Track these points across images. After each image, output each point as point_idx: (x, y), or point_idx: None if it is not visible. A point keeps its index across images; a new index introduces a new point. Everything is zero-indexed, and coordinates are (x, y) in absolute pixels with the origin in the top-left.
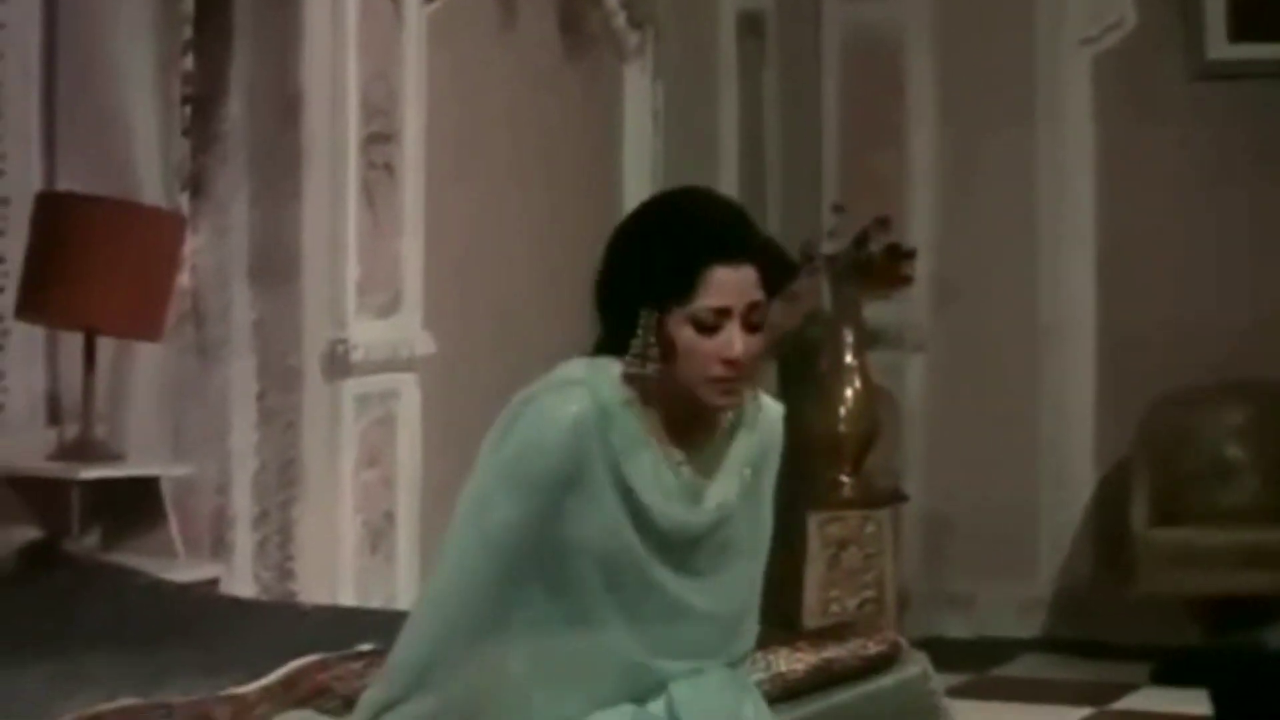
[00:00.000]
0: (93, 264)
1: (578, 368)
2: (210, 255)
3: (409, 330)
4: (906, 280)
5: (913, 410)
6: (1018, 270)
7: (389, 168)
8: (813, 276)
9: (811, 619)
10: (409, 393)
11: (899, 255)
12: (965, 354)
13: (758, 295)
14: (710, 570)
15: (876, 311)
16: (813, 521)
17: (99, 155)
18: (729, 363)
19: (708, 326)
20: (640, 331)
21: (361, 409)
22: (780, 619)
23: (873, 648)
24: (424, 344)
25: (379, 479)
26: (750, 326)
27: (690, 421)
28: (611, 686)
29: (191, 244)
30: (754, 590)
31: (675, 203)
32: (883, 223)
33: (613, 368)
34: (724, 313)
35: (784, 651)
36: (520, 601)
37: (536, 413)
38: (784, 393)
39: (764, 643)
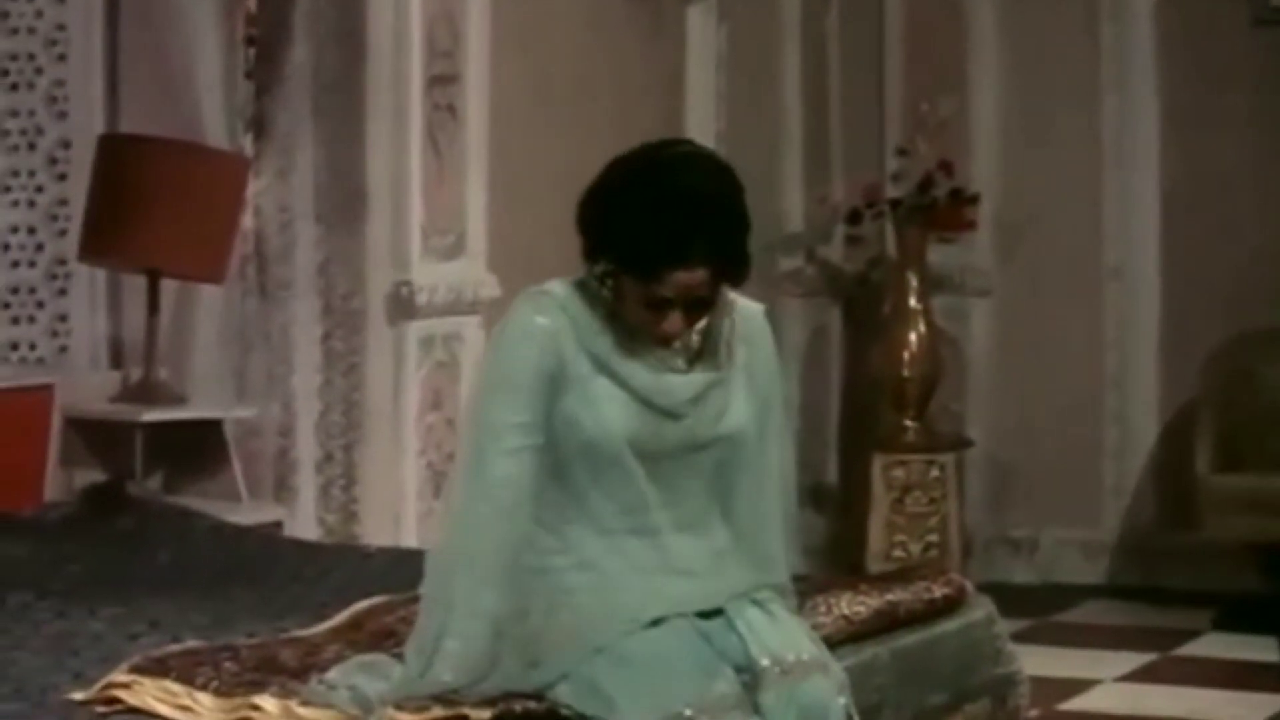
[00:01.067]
0: (155, 206)
1: (554, 284)
2: (273, 197)
3: (473, 272)
4: (970, 224)
5: (977, 354)
6: (1082, 214)
7: (453, 109)
8: (878, 219)
9: (875, 564)
10: (473, 335)
11: (963, 199)
12: (1029, 298)
13: (704, 292)
14: (712, 442)
15: (940, 256)
16: (876, 465)
17: (162, 97)
18: (665, 335)
19: (654, 306)
20: (598, 270)
21: (425, 352)
22: (844, 564)
23: (937, 591)
24: (488, 286)
25: (442, 422)
26: (693, 307)
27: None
28: (663, 603)
29: (255, 186)
30: (767, 499)
31: (655, 188)
32: (946, 167)
33: (586, 283)
34: (670, 301)
35: (847, 595)
36: (540, 516)
37: (514, 322)
38: (848, 336)
39: (826, 586)
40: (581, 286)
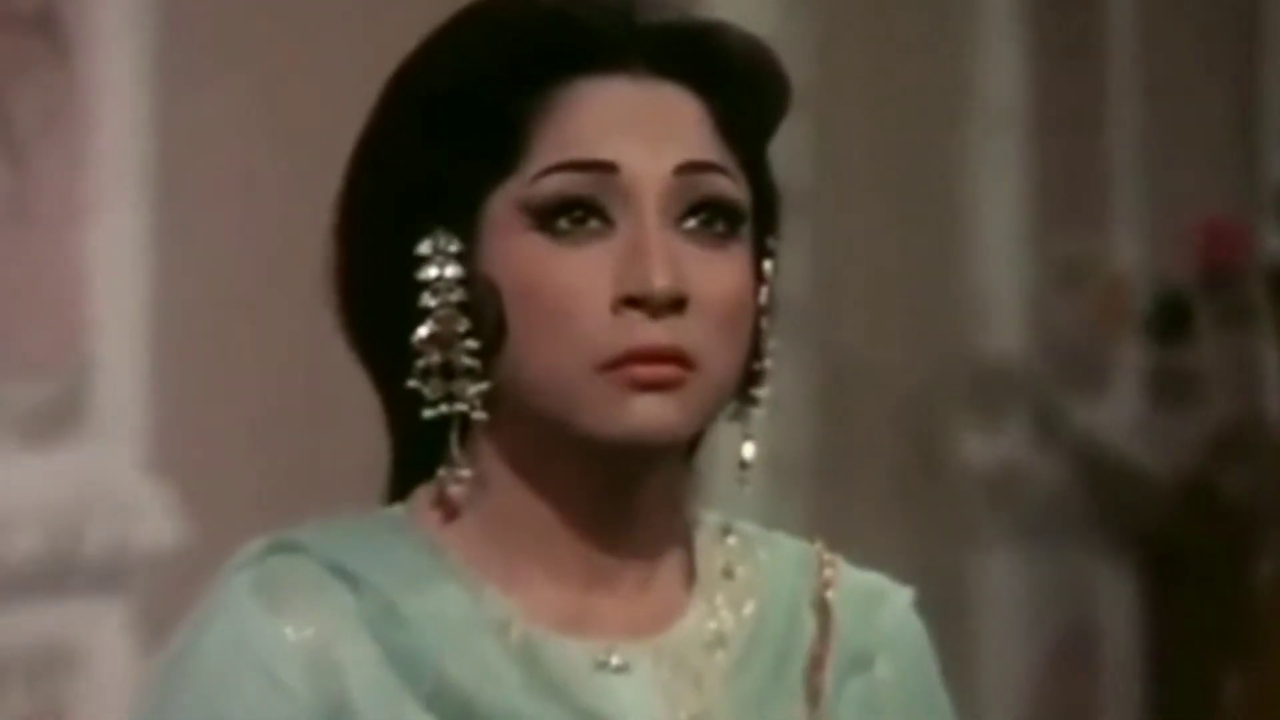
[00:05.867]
0: None
1: (320, 530)
2: None
3: (105, 474)
4: None
5: None
6: None
7: (50, 30)
8: (1238, 324)
9: None
10: (107, 649)
11: None
12: None
13: (703, 153)
14: None
15: None
16: None
17: None
18: (639, 303)
19: (570, 219)
20: (433, 295)
21: None
22: None
23: None
24: (151, 520)
25: None
26: (701, 227)
27: (607, 548)
28: None
29: None
30: None
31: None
32: None
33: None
34: (610, 177)
35: None
36: None
37: (216, 637)
38: (1161, 641)
39: None
40: (386, 522)
